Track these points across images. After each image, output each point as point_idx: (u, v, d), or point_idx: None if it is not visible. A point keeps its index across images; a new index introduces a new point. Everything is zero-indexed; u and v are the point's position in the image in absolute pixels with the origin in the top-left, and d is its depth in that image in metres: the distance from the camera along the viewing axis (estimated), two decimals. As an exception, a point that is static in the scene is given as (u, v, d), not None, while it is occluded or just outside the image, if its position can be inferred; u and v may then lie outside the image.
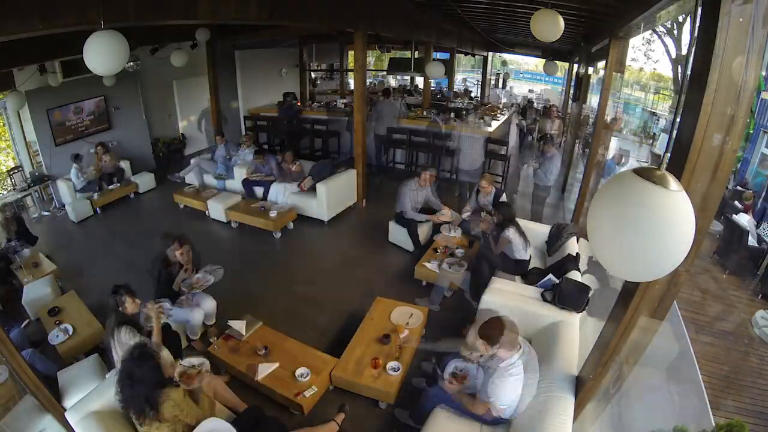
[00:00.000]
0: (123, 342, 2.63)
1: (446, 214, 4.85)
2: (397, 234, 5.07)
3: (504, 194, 4.71)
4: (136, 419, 2.15)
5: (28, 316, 3.86)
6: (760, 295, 5.66)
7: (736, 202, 7.34)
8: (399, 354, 3.08)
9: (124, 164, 7.00)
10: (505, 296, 3.31)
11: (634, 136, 13.86)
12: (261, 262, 4.96)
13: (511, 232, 3.82)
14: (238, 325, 3.33)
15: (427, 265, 4.29)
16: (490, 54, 15.23)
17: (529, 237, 3.99)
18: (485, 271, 3.72)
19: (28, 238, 4.59)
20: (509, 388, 2.33)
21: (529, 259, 4.01)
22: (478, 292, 3.50)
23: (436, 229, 4.96)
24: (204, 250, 5.30)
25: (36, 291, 3.98)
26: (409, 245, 4.96)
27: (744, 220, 6.51)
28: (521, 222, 4.09)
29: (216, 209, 5.81)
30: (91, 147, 6.72)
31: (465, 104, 10.55)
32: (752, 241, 6.15)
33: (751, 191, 7.94)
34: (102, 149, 6.52)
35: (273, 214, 5.40)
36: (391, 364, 2.99)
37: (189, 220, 6.01)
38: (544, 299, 3.25)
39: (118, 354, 2.67)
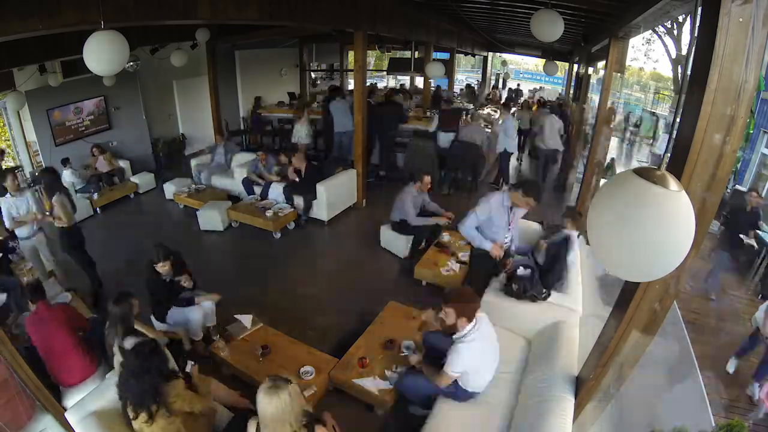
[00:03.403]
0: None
1: (448, 215, 4.75)
2: (390, 239, 4.98)
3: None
4: (136, 413, 2.10)
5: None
6: (760, 296, 5.66)
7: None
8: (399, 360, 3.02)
9: (124, 164, 7.01)
10: (505, 296, 3.32)
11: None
12: (261, 263, 4.96)
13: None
14: (245, 320, 3.40)
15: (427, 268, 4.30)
16: (490, 54, 15.24)
17: (524, 235, 3.95)
18: (483, 277, 3.67)
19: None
20: (459, 356, 2.43)
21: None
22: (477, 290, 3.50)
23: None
24: (204, 250, 5.37)
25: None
26: (399, 251, 4.89)
27: None
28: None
29: (208, 219, 5.61)
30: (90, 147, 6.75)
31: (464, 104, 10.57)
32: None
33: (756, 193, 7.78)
34: (98, 150, 6.55)
35: (269, 213, 5.42)
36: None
37: (189, 220, 6.01)
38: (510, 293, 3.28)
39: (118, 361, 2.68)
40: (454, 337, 2.49)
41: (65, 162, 6.28)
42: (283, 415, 1.78)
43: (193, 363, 2.53)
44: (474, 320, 2.48)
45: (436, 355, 2.68)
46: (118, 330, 2.66)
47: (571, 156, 7.95)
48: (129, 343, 2.64)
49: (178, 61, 6.32)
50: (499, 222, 3.47)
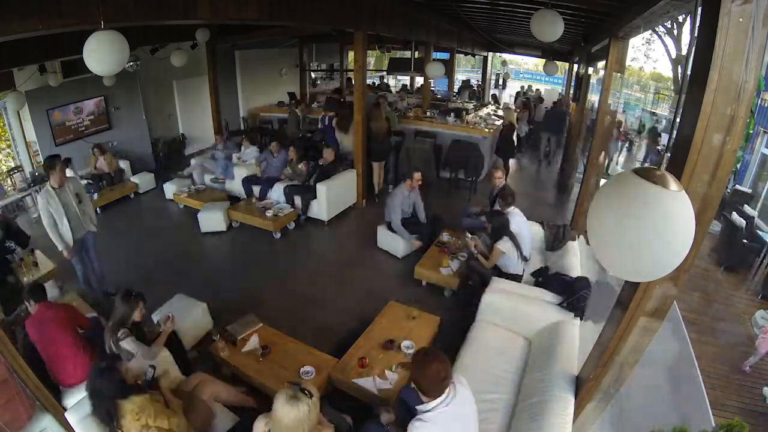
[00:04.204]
0: (124, 350, 2.63)
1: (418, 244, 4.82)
2: (388, 240, 4.98)
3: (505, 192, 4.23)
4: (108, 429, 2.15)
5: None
6: (761, 295, 5.66)
7: (746, 206, 7.04)
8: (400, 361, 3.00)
9: (124, 164, 7.00)
10: (505, 296, 3.32)
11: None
12: (261, 263, 4.96)
13: (502, 243, 3.69)
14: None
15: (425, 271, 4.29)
16: (490, 54, 15.24)
17: (527, 239, 3.92)
18: (476, 285, 3.68)
19: (19, 239, 4.54)
20: None
21: (523, 273, 3.86)
22: (470, 303, 3.50)
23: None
24: (204, 250, 5.37)
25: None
26: (397, 251, 4.90)
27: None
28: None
29: (208, 220, 5.59)
30: (92, 147, 6.75)
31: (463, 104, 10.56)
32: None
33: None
34: (99, 151, 6.56)
35: (269, 213, 5.44)
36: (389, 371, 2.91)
37: (189, 220, 6.00)
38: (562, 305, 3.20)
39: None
40: (417, 408, 1.99)
41: (67, 162, 6.27)
42: (299, 426, 1.82)
43: (153, 368, 2.42)
44: (444, 394, 1.94)
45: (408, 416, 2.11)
46: (113, 325, 2.66)
47: (570, 156, 7.96)
48: (127, 342, 2.65)
49: (178, 61, 6.32)
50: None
